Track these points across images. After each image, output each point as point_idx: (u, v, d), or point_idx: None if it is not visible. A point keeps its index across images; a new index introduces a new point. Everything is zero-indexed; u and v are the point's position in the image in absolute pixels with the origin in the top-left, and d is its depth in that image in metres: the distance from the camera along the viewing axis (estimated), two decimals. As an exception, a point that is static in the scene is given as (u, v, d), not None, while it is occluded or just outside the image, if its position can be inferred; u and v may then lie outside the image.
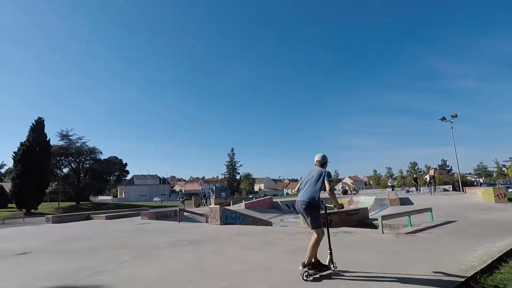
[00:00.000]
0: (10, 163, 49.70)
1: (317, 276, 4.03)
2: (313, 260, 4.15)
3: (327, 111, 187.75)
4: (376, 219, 9.45)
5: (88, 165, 56.72)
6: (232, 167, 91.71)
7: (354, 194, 33.89)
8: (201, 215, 16.15)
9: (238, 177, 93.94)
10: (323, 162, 4.65)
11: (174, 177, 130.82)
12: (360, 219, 11.84)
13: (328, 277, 4.05)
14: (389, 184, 36.65)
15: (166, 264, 5.36)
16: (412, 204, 17.25)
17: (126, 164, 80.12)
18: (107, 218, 17.80)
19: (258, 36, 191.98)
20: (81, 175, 55.99)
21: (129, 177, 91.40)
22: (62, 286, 4.15)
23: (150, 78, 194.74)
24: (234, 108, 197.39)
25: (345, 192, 33.96)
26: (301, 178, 4.87)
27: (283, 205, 26.42)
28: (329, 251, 4.32)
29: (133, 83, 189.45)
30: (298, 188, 4.71)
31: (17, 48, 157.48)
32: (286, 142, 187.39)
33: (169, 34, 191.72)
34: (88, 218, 18.58)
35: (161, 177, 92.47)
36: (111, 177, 67.83)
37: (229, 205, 24.74)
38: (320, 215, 4.34)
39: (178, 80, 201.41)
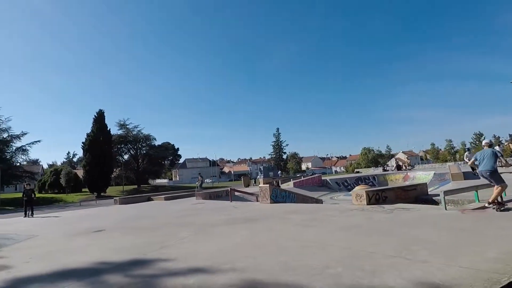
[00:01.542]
0: (80, 153, 55.67)
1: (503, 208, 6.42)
2: (496, 200, 6.59)
3: (375, 85, 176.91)
4: (437, 195, 8.80)
5: (144, 151, 61.22)
6: (278, 147, 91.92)
7: (409, 169, 31.90)
8: (251, 194, 16.57)
9: (284, 156, 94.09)
10: (490, 144, 7.16)
11: (223, 159, 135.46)
12: (418, 195, 11.16)
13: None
14: (466, 160, 32.96)
15: (223, 240, 5.62)
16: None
17: (178, 148, 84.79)
18: (166, 199, 19.18)
19: (304, 9, 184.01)
20: (139, 160, 60.73)
21: (181, 161, 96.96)
22: (134, 259, 4.59)
23: (198, 62, 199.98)
24: (279, 87, 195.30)
25: (399, 168, 32.18)
26: (475, 155, 7.19)
27: (332, 182, 25.96)
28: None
29: (181, 69, 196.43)
30: (473, 163, 7.91)
31: (82, 46, 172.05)
32: (333, 119, 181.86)
33: (210, 14, 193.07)
34: (149, 199, 20.21)
35: (210, 159, 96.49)
36: (166, 162, 72.57)
37: (277, 184, 25.02)
38: (500, 175, 6.65)
39: (224, 62, 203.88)
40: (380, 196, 9.78)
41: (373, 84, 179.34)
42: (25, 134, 45.04)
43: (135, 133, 59.09)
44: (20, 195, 18.85)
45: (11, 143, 44.32)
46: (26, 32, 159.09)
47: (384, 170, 49.73)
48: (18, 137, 44.21)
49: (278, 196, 12.74)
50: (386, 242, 4.56)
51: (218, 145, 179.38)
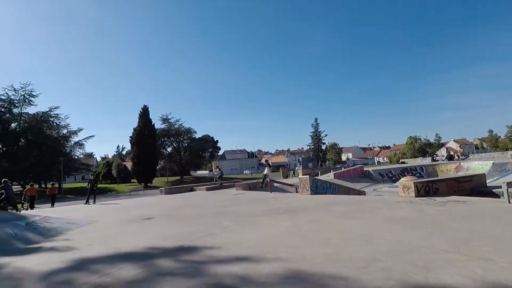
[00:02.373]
0: (129, 146, 59.59)
1: None
2: None
3: (422, 70, 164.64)
4: (498, 187, 8.01)
5: (186, 144, 63.82)
6: (317, 137, 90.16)
7: (463, 159, 29.44)
8: (291, 185, 16.51)
9: (323, 147, 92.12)
10: None
11: (261, 150, 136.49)
12: (474, 187, 10.25)
13: None
14: None
15: (265, 230, 5.67)
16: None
17: (217, 141, 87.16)
18: (207, 189, 19.84)
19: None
20: (181, 153, 63.46)
21: (220, 152, 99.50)
22: (182, 245, 4.82)
23: (235, 53, 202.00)
24: (317, 76, 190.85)
25: (450, 158, 29.81)
26: None
27: (375, 173, 24.90)
28: None
29: (219, 62, 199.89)
30: None
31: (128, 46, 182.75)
32: (375, 108, 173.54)
33: (248, 4, 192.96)
34: (191, 190, 21.07)
35: (248, 151, 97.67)
36: (206, 154, 75.01)
37: (317, 175, 24.60)
38: None
39: (261, 51, 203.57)
40: (431, 187, 9.16)
41: (416, 70, 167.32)
42: (81, 129, 49.25)
43: (177, 126, 61.76)
44: (79, 185, 20.76)
45: (70, 138, 48.78)
46: (83, 34, 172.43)
47: (433, 160, 46.48)
48: (75, 132, 48.51)
49: (319, 187, 12.53)
50: (439, 237, 4.26)
51: (256, 137, 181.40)
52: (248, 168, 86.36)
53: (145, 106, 51.29)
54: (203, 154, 72.06)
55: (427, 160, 51.86)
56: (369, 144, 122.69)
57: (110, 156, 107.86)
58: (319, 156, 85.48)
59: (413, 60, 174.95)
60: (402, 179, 13.12)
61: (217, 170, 24.22)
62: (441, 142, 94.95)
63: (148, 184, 48.07)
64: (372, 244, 4.14)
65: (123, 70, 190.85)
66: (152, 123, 51.83)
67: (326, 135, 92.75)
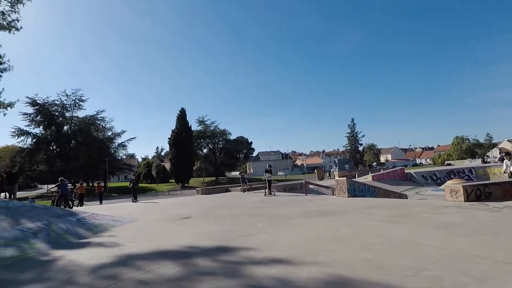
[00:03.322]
0: (167, 147, 62.17)
1: None
2: None
3: (469, 63, 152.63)
4: None
5: (221, 145, 65.11)
6: (353, 138, 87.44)
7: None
8: (327, 187, 16.13)
9: (361, 148, 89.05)
10: None
11: (295, 152, 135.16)
12: (534, 192, 9.21)
13: None
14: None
15: (301, 232, 5.57)
16: None
17: (251, 142, 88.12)
18: (243, 191, 20.05)
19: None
20: (217, 154, 64.85)
21: (255, 154, 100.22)
22: (219, 245, 4.89)
23: (268, 54, 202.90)
24: (352, 74, 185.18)
25: (503, 159, 27.17)
26: None
27: (418, 176, 23.49)
28: None
29: (253, 63, 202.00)
30: None
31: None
32: (416, 107, 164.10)
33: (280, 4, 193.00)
34: (227, 190, 21.41)
35: (282, 152, 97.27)
36: (240, 155, 76.00)
37: (354, 177, 23.80)
38: None
39: (296, 52, 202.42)
40: (482, 192, 8.41)
41: (462, 64, 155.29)
42: (124, 131, 52.39)
43: (212, 128, 63.25)
44: (122, 184, 22.09)
45: (114, 140, 52.09)
46: (124, 41, 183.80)
47: (484, 162, 42.86)
48: (119, 134, 51.74)
49: (356, 190, 12.09)
50: (496, 245, 3.88)
51: (291, 138, 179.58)
52: (282, 169, 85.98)
53: (182, 109, 53.23)
54: (238, 156, 73.06)
55: (476, 162, 47.90)
56: (410, 145, 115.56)
57: (150, 157, 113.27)
58: (356, 158, 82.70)
59: (458, 53, 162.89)
60: (449, 182, 12.22)
61: (243, 174, 22.78)
62: (492, 142, 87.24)
63: (185, 184, 49.76)
64: (418, 251, 3.88)
65: (163, 74, 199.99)
66: (189, 125, 53.60)
67: (363, 136, 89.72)
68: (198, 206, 12.24)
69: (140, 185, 51.11)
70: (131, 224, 8.17)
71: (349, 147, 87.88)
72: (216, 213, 9.31)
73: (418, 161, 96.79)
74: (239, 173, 17.87)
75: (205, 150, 66.00)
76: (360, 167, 68.91)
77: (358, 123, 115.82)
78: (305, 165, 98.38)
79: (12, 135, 43.44)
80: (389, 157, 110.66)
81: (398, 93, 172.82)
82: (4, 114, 15.06)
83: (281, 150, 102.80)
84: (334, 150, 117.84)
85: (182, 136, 50.95)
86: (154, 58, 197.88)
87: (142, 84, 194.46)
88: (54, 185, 17.35)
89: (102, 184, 31.22)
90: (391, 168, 31.90)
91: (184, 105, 55.67)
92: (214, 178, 60.94)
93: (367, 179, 21.20)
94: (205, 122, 62.79)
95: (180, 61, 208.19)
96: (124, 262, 4.31)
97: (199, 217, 8.78)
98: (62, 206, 14.72)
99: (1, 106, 13.96)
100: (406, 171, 25.20)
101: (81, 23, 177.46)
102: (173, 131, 52.16)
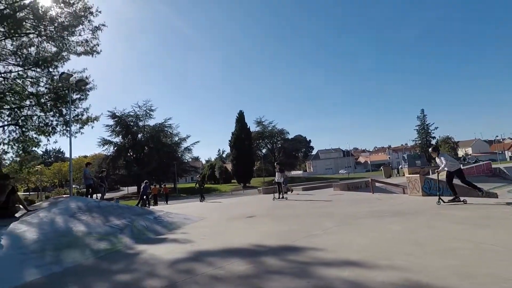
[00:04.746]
0: (228, 149, 64.73)
1: None
2: None
3: None
4: None
5: (279, 145, 65.47)
6: (424, 131, 79.72)
7: None
8: (396, 185, 15.00)
9: (433, 141, 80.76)
10: None
11: (357, 148, 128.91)
12: None
13: None
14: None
15: (373, 233, 5.24)
16: None
17: (310, 140, 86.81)
18: (303, 189, 19.82)
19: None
20: (275, 153, 65.35)
21: (314, 152, 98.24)
22: (285, 245, 4.88)
23: (324, 46, 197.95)
24: (419, 61, 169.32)
25: None
26: None
27: (509, 172, 20.30)
28: None
29: (309, 58, 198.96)
30: None
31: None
32: (500, 95, 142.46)
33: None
34: (288, 190, 21.35)
35: (344, 149, 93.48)
36: (299, 154, 75.29)
37: (427, 174, 21.65)
38: None
39: (354, 41, 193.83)
40: None
41: None
42: (189, 136, 56.23)
43: (270, 128, 64.01)
44: (189, 185, 23.68)
45: (180, 145, 56.17)
46: (184, 52, 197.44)
47: None
48: (184, 139, 55.66)
49: (432, 188, 10.95)
50: None
51: (352, 134, 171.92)
52: (344, 167, 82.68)
53: (240, 111, 55.00)
54: (297, 154, 72.54)
55: None
56: (496, 136, 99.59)
57: (212, 159, 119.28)
58: (428, 152, 75.22)
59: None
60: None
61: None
62: None
63: (247, 184, 51.21)
64: (518, 258, 3.33)
65: (220, 78, 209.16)
66: (248, 127, 55.11)
67: (436, 128, 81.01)
68: (261, 205, 12.42)
69: (205, 185, 54.32)
70: (200, 222, 8.67)
71: (419, 141, 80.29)
72: (279, 212, 9.32)
73: (507, 154, 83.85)
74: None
75: (264, 150, 67.06)
76: (434, 163, 62.35)
77: (429, 114, 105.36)
78: (369, 162, 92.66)
79: (98, 145, 50.12)
80: (470, 150, 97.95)
81: (475, 80, 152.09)
82: (92, 127, 17.41)
83: (342, 147, 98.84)
84: (401, 145, 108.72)
85: (242, 137, 52.59)
86: (209, 68, 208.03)
87: (200, 91, 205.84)
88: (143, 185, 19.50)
89: (167, 186, 34.04)
90: (473, 163, 28.18)
91: (243, 106, 57.31)
92: (274, 178, 61.44)
93: (443, 175, 19.06)
94: (263, 123, 63.90)
95: (237, 64, 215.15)
96: (197, 258, 4.58)
97: (263, 216, 8.90)
98: (139, 205, 16.49)
99: (90, 121, 16.09)
100: (493, 166, 21.99)
101: (139, 42, 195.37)
102: (233, 133, 54.19)
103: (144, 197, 17.91)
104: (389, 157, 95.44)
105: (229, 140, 55.05)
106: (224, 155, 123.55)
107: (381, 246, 4.33)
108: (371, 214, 7.37)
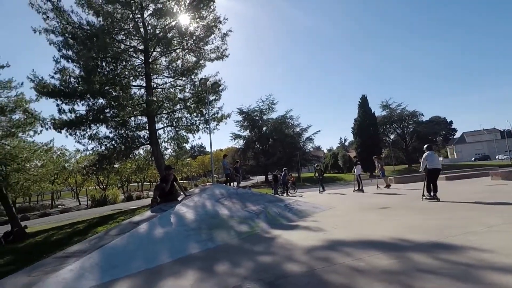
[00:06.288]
0: (350, 137, 61.77)
1: None
2: None
3: None
4: None
5: (411, 129, 57.80)
6: None
7: None
8: None
9: None
10: None
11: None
12: None
13: None
14: None
15: None
16: None
17: (451, 122, 73.03)
18: (447, 178, 16.87)
19: None
20: (407, 139, 58.03)
21: (457, 135, 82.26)
22: (435, 241, 4.22)
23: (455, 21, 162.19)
24: None
25: None
26: None
27: None
28: None
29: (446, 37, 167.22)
30: None
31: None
32: None
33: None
34: (387, 184, 18.67)
35: (502, 130, 74.27)
36: (437, 138, 64.54)
37: None
38: None
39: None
40: None
41: None
42: (310, 126, 56.41)
43: (399, 111, 57.29)
44: (311, 174, 23.79)
45: (302, 135, 57.17)
46: (304, 44, 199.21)
47: None
48: (305, 129, 56.27)
49: None
50: None
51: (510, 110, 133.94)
52: (502, 151, 65.66)
53: (363, 95, 51.23)
54: (434, 139, 62.26)
55: None
56: None
57: (334, 147, 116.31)
58: None
59: None
60: None
61: (319, 166, 22.50)
62: None
63: (373, 173, 47.56)
64: None
65: (338, 61, 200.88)
66: (372, 112, 50.90)
67: None
68: (393, 195, 11.28)
69: (328, 175, 53.67)
70: (329, 211, 8.58)
71: None
72: (420, 204, 8.20)
73: None
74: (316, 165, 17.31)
75: (392, 136, 60.67)
76: None
77: None
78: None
79: (230, 139, 56.63)
80: None
81: None
82: (225, 123, 19.80)
83: (498, 127, 78.48)
84: None
85: (366, 123, 49.04)
86: (328, 56, 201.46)
87: (320, 81, 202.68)
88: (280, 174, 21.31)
89: (293, 175, 35.16)
90: None
91: (365, 91, 53.34)
92: (406, 166, 54.88)
93: None
94: (390, 106, 57.64)
95: (351, 49, 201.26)
96: (332, 246, 4.52)
97: (399, 207, 8.05)
98: (279, 193, 17.90)
99: (224, 118, 18.38)
100: None
101: (252, 43, 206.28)
102: (355, 120, 51.22)
103: (283, 185, 19.33)
104: None
105: (352, 127, 52.26)
106: (346, 143, 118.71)
107: None
108: (561, 211, 5.54)
